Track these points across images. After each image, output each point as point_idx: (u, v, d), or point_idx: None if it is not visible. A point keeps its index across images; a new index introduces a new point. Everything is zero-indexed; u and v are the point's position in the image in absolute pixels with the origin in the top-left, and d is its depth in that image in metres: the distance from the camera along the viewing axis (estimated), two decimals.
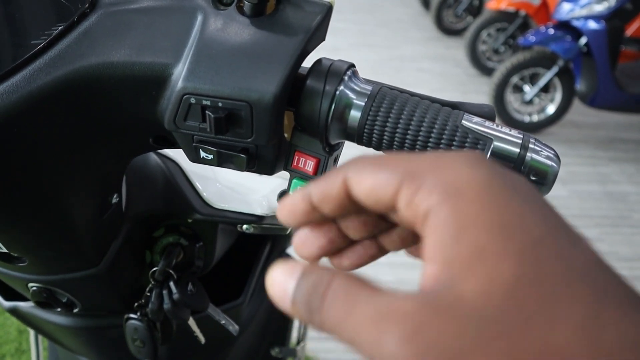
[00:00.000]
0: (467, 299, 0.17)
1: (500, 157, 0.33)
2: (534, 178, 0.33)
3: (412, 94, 0.36)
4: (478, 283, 0.17)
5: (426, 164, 0.20)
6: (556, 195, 2.59)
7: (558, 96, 3.01)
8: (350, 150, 0.34)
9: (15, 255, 0.46)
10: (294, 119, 0.37)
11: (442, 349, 0.16)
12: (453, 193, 0.19)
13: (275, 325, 0.94)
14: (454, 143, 0.33)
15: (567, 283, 0.17)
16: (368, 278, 0.20)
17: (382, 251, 0.27)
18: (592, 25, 2.78)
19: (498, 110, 2.99)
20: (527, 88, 2.99)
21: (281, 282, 0.21)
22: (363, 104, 0.35)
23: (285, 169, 0.39)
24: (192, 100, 0.33)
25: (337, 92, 0.35)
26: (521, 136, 0.33)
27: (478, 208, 0.18)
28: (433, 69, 3.91)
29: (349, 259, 0.26)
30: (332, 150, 0.38)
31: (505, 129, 0.33)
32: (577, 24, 2.82)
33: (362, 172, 0.21)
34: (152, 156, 0.54)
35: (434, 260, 0.18)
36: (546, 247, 0.18)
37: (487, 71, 3.76)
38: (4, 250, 0.43)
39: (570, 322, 0.16)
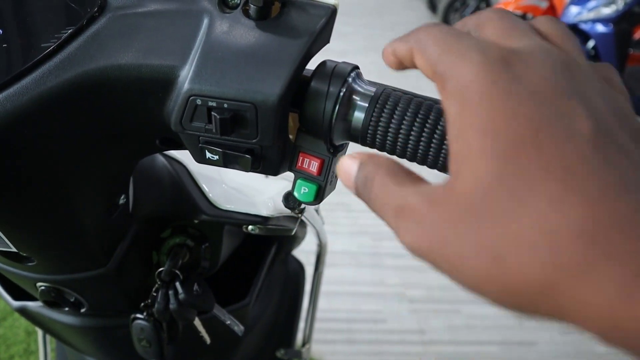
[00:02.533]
0: (455, 196, 0.21)
1: None
2: None
3: (416, 95, 0.36)
4: (465, 182, 0.21)
5: (451, 59, 0.23)
6: None
7: None
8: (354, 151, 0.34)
9: (24, 254, 0.46)
10: (298, 121, 0.37)
11: (433, 235, 0.21)
12: (460, 98, 0.22)
13: (281, 326, 0.94)
14: None
15: (539, 181, 0.19)
16: (404, 169, 0.25)
17: None
18: (600, 28, 2.77)
19: None
20: None
21: (347, 166, 0.27)
22: (367, 105, 0.35)
23: (290, 170, 0.39)
24: (198, 102, 0.34)
25: (341, 94, 0.35)
26: None
27: (476, 112, 0.21)
28: None
29: None
30: (337, 151, 0.38)
31: None
32: (584, 27, 2.81)
33: (421, 47, 0.25)
34: (159, 158, 0.55)
35: (449, 147, 0.23)
36: (527, 147, 0.20)
37: None
38: (13, 249, 0.44)
39: (531, 218, 0.19)
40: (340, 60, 0.38)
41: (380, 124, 0.34)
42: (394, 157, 0.30)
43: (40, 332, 0.88)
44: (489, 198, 0.20)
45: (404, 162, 0.37)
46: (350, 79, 0.35)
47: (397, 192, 0.24)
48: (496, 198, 0.20)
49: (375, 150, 0.36)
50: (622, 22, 2.77)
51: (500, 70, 0.21)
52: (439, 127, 0.33)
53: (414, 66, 0.27)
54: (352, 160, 0.27)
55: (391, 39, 0.28)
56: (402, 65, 0.28)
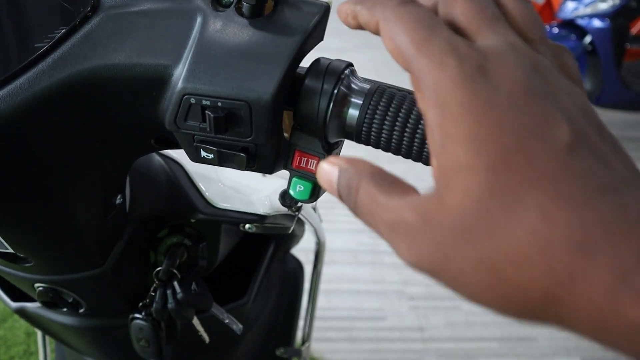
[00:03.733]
0: (448, 211, 0.21)
1: None
2: None
3: (410, 92, 0.36)
4: (456, 196, 0.21)
5: (427, 63, 0.22)
6: None
7: None
8: (350, 150, 0.34)
9: (21, 255, 0.46)
10: (293, 118, 0.37)
11: (432, 252, 0.22)
12: (440, 107, 0.22)
13: (280, 325, 0.94)
14: None
15: (528, 193, 0.20)
16: (389, 176, 0.25)
17: None
18: (597, 23, 2.76)
19: None
20: None
21: (327, 172, 0.26)
22: (361, 102, 0.35)
23: (285, 168, 0.39)
24: (192, 101, 0.34)
25: (335, 91, 0.35)
26: None
27: (459, 123, 0.21)
28: None
29: None
30: (332, 149, 0.38)
31: None
32: (581, 22, 2.81)
33: (390, 31, 0.24)
34: (155, 157, 0.55)
35: (432, 154, 0.23)
36: (512, 158, 0.20)
37: None
38: (10, 250, 0.44)
39: (525, 231, 0.20)
40: (336, 57, 0.38)
41: (374, 121, 0.34)
42: (380, 160, 0.29)
43: (39, 333, 0.88)
44: (482, 212, 0.20)
45: (398, 158, 0.37)
46: (344, 76, 0.35)
47: (388, 205, 0.23)
48: (489, 212, 0.20)
49: (369, 148, 0.36)
50: (618, 17, 2.77)
51: (477, 79, 0.22)
52: None
53: (376, 32, 0.26)
54: (331, 166, 0.26)
55: None
56: (361, 28, 0.27)
